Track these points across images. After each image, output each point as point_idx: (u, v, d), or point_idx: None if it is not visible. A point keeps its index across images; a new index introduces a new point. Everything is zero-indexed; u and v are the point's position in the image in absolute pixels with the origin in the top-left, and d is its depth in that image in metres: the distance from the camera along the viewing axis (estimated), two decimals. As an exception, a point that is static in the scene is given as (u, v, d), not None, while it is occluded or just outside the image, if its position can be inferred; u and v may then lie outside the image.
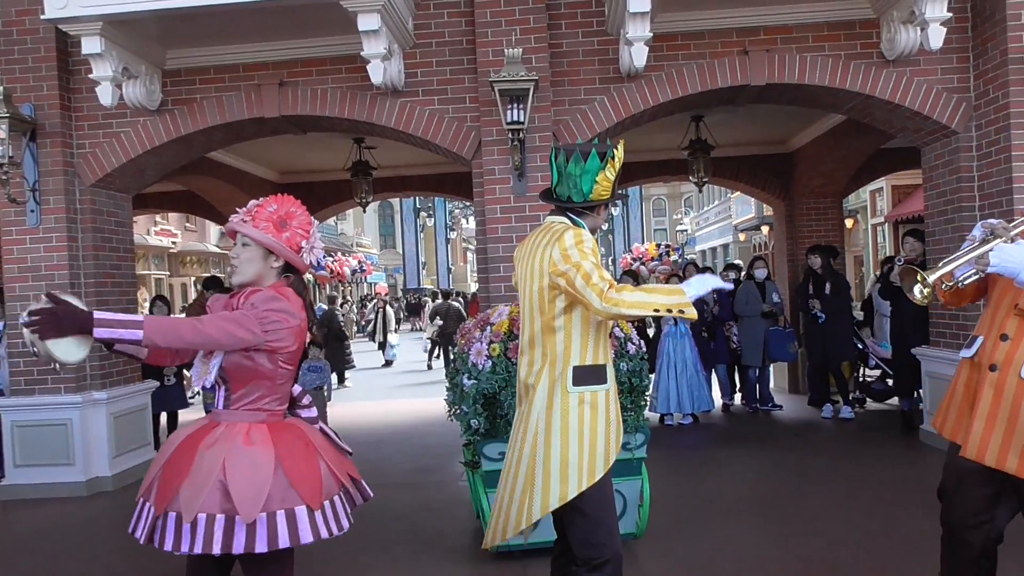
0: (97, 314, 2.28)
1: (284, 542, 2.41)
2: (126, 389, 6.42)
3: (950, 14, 5.16)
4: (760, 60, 5.78)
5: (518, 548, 4.04)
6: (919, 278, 2.36)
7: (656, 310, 2.51)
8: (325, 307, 14.98)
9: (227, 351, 2.50)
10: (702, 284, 2.59)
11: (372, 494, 2.81)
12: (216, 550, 2.36)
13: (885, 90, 5.75)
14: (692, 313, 2.53)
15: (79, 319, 2.27)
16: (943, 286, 2.50)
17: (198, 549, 2.38)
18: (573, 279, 2.55)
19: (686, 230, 35.11)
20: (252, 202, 2.68)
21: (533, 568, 3.91)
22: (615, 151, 2.74)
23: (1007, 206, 5.38)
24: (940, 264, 2.42)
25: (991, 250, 2.30)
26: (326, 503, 2.53)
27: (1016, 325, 2.38)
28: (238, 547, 2.37)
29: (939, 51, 5.42)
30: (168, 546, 2.42)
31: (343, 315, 15.35)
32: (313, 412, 2.77)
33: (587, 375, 2.66)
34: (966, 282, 2.48)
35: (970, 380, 2.50)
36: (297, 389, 2.75)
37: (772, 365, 8.86)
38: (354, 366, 14.35)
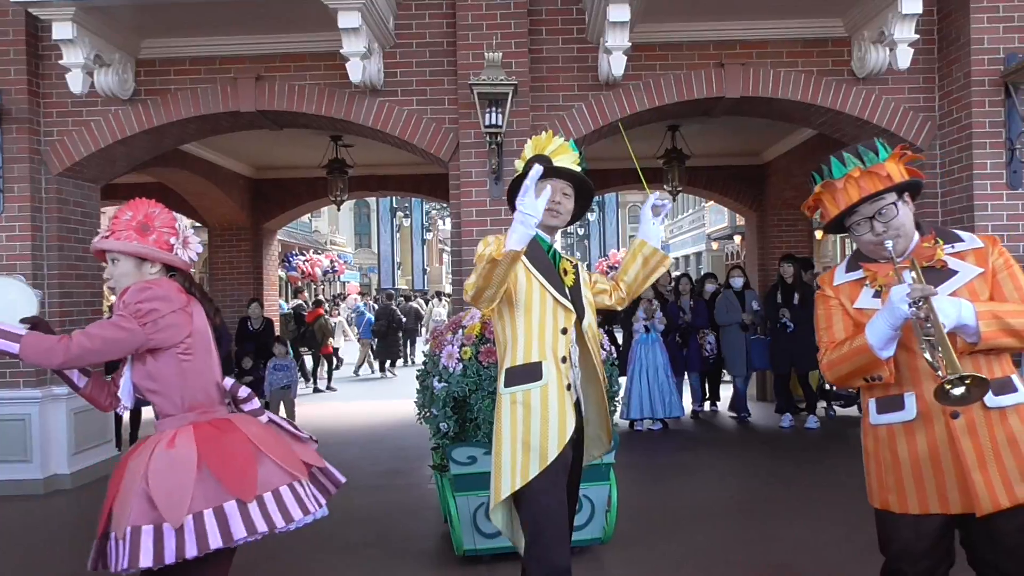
0: None
1: (216, 542, 2.25)
2: (89, 383, 6.29)
3: (917, 36, 5.30)
4: (735, 73, 5.86)
5: (486, 552, 4.04)
6: (947, 386, 2.00)
7: (488, 266, 2.46)
8: (363, 307, 15.85)
9: (131, 368, 2.47)
10: (513, 229, 2.47)
11: (343, 478, 2.73)
12: (147, 562, 2.23)
13: (855, 107, 5.87)
14: (505, 250, 2.44)
15: None
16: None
17: (124, 564, 2.26)
18: None
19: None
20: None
21: (500, 571, 3.91)
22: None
23: (968, 222, 5.52)
24: (946, 364, 2.04)
25: (938, 315, 2.08)
26: (267, 495, 2.37)
27: None
28: (169, 556, 2.23)
29: (907, 71, 5.56)
30: (111, 566, 2.34)
31: (399, 309, 16.38)
32: (255, 404, 2.62)
33: (519, 375, 2.66)
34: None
35: (914, 445, 2.22)
36: (229, 382, 2.59)
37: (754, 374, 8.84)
38: (400, 357, 14.72)
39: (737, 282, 8.52)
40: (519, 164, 2.87)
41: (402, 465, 6.65)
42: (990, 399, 2.18)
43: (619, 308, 3.07)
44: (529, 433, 2.60)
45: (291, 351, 12.74)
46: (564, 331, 2.70)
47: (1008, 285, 2.22)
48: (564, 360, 2.69)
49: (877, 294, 2.28)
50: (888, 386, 2.26)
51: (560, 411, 2.63)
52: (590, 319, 2.82)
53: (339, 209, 11.05)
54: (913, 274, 2.17)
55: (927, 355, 2.09)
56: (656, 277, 3.06)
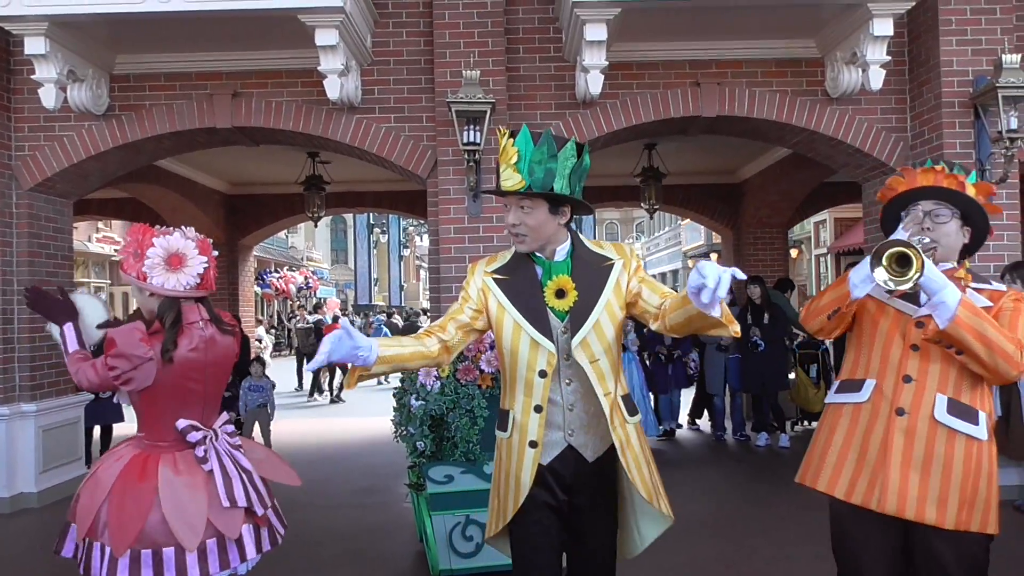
0: (66, 326, 2.83)
1: (95, 574, 2.49)
2: (57, 401, 6.18)
3: (889, 57, 5.37)
4: (711, 92, 5.92)
5: (462, 572, 4.00)
6: (886, 261, 2.08)
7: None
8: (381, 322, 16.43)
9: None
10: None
11: (253, 556, 2.71)
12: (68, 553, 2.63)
13: (828, 126, 5.94)
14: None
15: (54, 314, 2.89)
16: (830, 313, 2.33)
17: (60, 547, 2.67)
18: None
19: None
20: None
21: (475, 592, 3.87)
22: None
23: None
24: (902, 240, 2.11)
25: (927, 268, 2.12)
26: (145, 552, 2.48)
27: (918, 365, 2.25)
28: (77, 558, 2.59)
29: (879, 92, 5.63)
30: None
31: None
32: (200, 451, 2.67)
33: (500, 420, 2.46)
34: (896, 294, 2.26)
35: (853, 428, 2.30)
36: (182, 424, 2.66)
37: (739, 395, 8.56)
38: None
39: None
40: None
41: (377, 483, 6.58)
42: (941, 415, 2.21)
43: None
44: (499, 483, 2.43)
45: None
46: (543, 374, 2.32)
47: (1005, 319, 2.26)
48: (539, 409, 2.32)
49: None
50: (855, 368, 2.38)
51: (517, 471, 2.33)
52: (581, 338, 2.30)
53: (316, 225, 10.99)
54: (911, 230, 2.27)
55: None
56: (713, 335, 2.32)
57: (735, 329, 2.23)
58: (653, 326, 2.37)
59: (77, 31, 5.31)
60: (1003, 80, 5.13)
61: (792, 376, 8.28)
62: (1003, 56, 5.19)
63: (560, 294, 2.34)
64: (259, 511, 2.68)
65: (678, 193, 10.50)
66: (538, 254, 2.38)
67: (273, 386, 8.37)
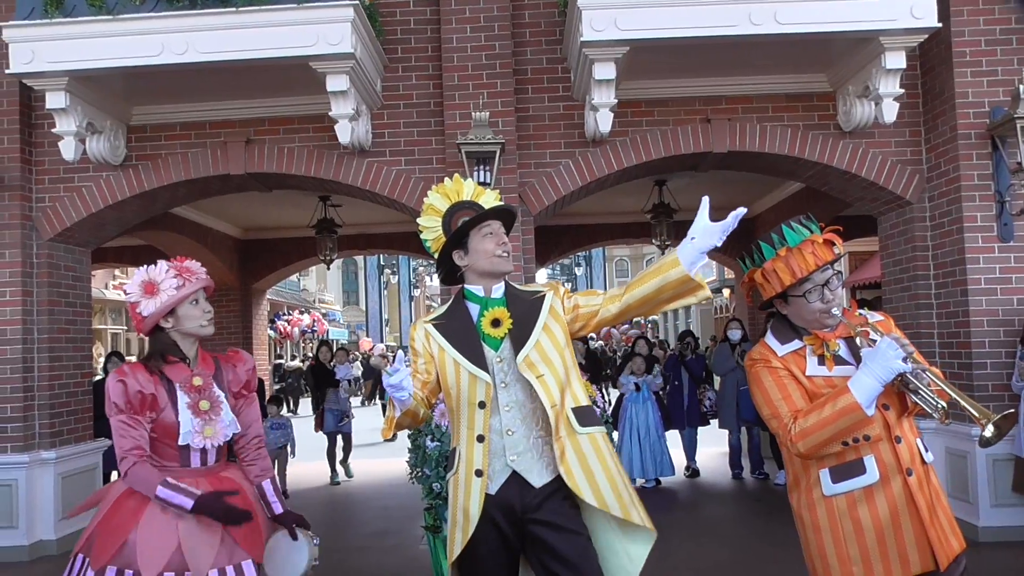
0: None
1: None
2: (76, 448, 6.18)
3: (902, 90, 5.32)
4: (722, 128, 5.91)
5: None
6: (986, 434, 2.06)
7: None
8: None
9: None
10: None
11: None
12: None
13: (842, 160, 5.90)
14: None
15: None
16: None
17: None
18: None
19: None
20: None
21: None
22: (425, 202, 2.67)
23: (960, 275, 5.51)
24: (973, 409, 2.07)
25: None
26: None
27: (895, 421, 2.23)
28: None
29: (893, 125, 5.57)
30: None
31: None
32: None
33: (448, 461, 2.63)
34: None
35: (874, 507, 2.18)
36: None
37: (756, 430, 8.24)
38: None
39: (735, 334, 8.35)
40: (428, 220, 2.63)
41: (391, 526, 6.49)
42: (927, 456, 2.28)
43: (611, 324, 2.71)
44: (452, 521, 2.54)
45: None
46: (482, 405, 2.46)
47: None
48: (481, 439, 2.46)
49: (821, 361, 2.30)
50: (844, 452, 2.22)
51: (466, 503, 2.44)
52: (525, 355, 2.45)
53: (328, 268, 11.06)
54: (880, 333, 2.23)
55: (916, 399, 2.17)
56: (677, 306, 2.57)
57: (707, 294, 2.50)
58: (613, 310, 2.51)
59: (96, 85, 5.42)
60: (1021, 111, 5.04)
61: None
62: (1020, 86, 5.11)
63: (496, 323, 2.52)
64: None
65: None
66: (478, 292, 2.58)
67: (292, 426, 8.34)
